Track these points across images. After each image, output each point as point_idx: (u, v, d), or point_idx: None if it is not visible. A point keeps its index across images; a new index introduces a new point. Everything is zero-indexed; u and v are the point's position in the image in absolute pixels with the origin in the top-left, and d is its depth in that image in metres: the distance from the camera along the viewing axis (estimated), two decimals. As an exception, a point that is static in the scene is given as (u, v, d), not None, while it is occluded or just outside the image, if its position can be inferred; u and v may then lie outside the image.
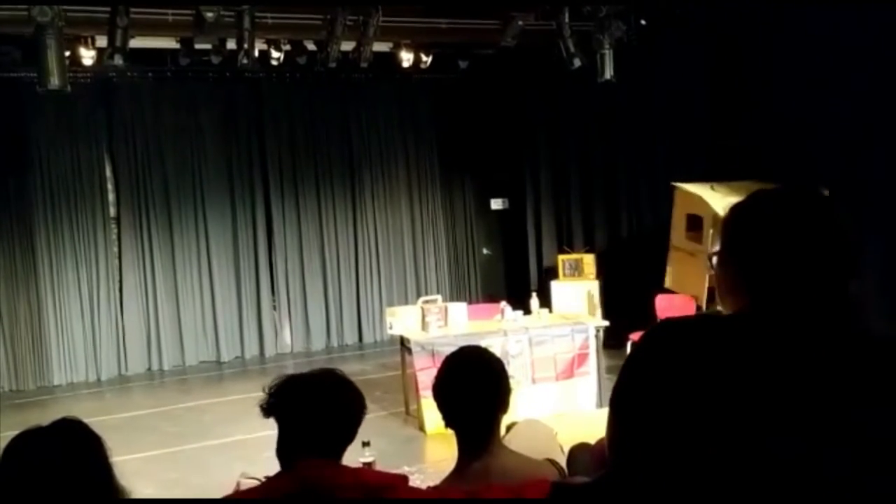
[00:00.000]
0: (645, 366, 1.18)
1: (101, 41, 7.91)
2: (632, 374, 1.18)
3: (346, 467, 2.00)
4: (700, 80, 8.85)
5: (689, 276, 8.14)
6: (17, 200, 9.87)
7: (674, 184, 8.32)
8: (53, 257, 10.06)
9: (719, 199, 7.59)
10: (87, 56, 8.23)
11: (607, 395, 6.04)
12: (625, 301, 9.23)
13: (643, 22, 8.59)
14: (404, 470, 2.76)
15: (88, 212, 10.18)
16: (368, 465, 2.95)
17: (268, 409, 2.01)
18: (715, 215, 7.42)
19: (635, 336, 8.05)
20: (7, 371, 9.87)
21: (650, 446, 1.13)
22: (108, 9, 6.57)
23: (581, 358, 7.43)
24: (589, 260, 10.05)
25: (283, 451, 2.02)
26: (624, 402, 1.21)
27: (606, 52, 8.11)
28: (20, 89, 9.28)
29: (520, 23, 7.94)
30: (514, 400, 2.27)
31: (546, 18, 8.06)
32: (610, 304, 9.48)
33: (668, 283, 8.54)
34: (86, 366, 10.20)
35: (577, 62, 8.28)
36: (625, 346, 7.73)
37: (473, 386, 2.16)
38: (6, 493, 1.84)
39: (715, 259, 1.33)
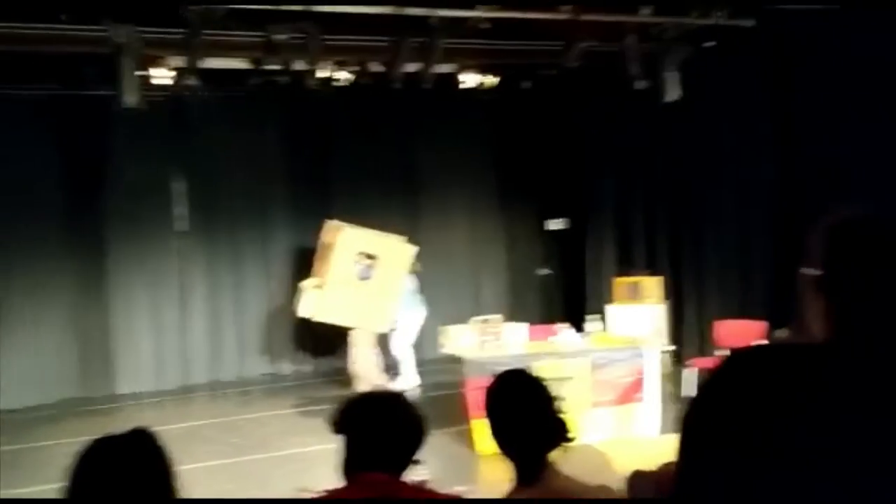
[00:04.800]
0: (724, 396, 1.13)
1: (176, 62, 8.22)
2: (707, 404, 1.13)
3: (406, 483, 2.03)
4: (765, 99, 8.70)
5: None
6: (90, 214, 10.24)
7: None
8: (122, 270, 10.40)
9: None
10: (162, 76, 8.56)
11: (669, 420, 5.95)
12: (686, 325, 9.08)
13: (708, 44, 8.51)
14: (456, 490, 2.76)
15: (157, 226, 10.50)
16: (421, 483, 2.98)
17: (337, 426, 2.06)
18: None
19: (697, 361, 7.92)
20: (75, 379, 10.21)
21: (720, 482, 1.11)
22: (183, 31, 6.80)
23: (640, 382, 7.32)
24: (650, 283, 9.91)
25: (347, 466, 2.06)
26: (695, 432, 1.15)
27: (670, 73, 8.06)
28: (98, 107, 9.65)
29: (584, 44, 7.95)
30: (571, 423, 2.25)
31: (611, 40, 8.05)
32: (671, 327, 9.33)
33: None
34: (150, 376, 10.47)
35: (640, 84, 8.24)
36: (688, 371, 7.60)
37: (520, 414, 2.16)
38: (79, 499, 1.90)
39: (808, 279, 1.23)
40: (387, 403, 2.11)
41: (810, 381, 1.04)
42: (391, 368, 9.63)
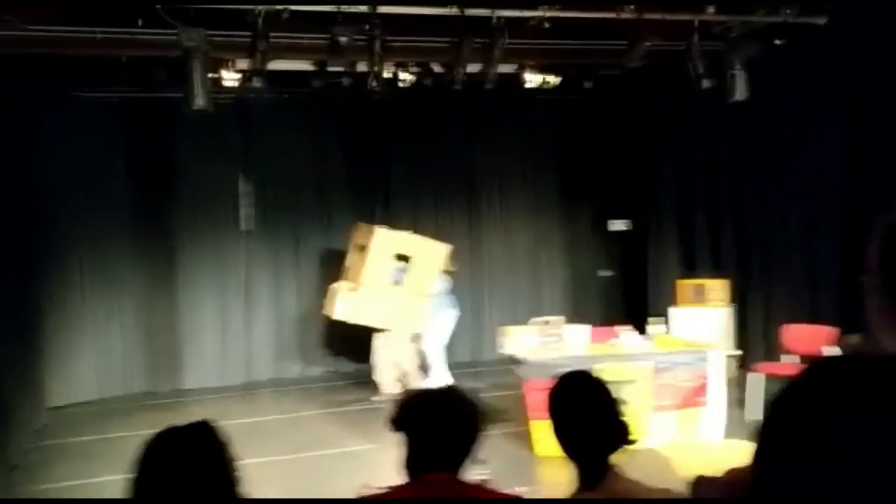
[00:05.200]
0: (804, 406, 1.08)
1: (242, 64, 8.39)
2: (787, 413, 1.08)
3: (468, 483, 2.05)
4: (835, 99, 8.45)
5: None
6: (159, 213, 10.53)
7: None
8: (189, 268, 10.66)
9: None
10: (229, 78, 8.77)
11: (733, 425, 5.83)
12: (751, 329, 8.89)
13: (777, 42, 8.31)
14: (516, 491, 2.76)
15: (223, 225, 10.74)
16: (481, 482, 2.99)
17: (396, 423, 2.09)
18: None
19: (763, 366, 7.74)
20: (143, 374, 10.51)
21: (796, 490, 1.07)
22: (250, 33, 6.94)
23: (704, 387, 7.20)
24: (714, 285, 9.73)
25: (409, 463, 2.08)
26: (774, 440, 1.11)
27: (737, 72, 7.90)
28: (167, 109, 9.92)
29: (647, 43, 7.85)
30: (633, 426, 2.24)
31: (675, 39, 7.93)
32: (736, 331, 9.15)
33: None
34: (215, 372, 10.71)
35: (705, 83, 8.10)
36: (754, 376, 7.44)
37: (584, 415, 2.15)
38: (144, 487, 1.96)
39: (869, 284, 1.16)
40: (444, 399, 2.11)
41: (888, 395, 1.00)
42: (423, 369, 9.64)
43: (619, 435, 2.17)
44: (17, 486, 6.65)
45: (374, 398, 9.31)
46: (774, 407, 1.08)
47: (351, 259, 9.83)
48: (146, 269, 10.51)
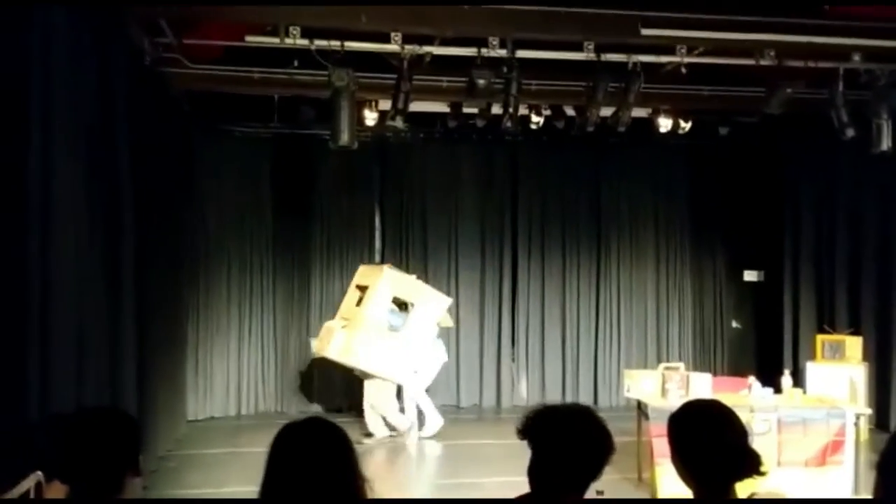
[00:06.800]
0: None
1: (383, 104, 8.82)
2: None
3: None
4: None
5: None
6: (299, 243, 11.11)
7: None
8: (324, 296, 11.14)
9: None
10: (370, 117, 9.24)
11: (865, 489, 5.57)
12: (892, 389, 8.43)
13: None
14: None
15: (357, 256, 11.16)
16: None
17: (523, 431, 2.20)
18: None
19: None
20: (274, 394, 11.00)
21: None
22: (394, 75, 7.33)
23: (836, 445, 6.89)
24: (853, 342, 9.31)
25: (534, 474, 2.19)
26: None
27: (884, 121, 7.62)
28: (310, 145, 10.54)
29: (788, 90, 7.71)
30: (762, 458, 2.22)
31: (818, 86, 7.76)
32: (874, 391, 8.70)
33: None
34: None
35: (849, 132, 7.85)
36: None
37: (712, 440, 2.17)
38: (277, 473, 2.14)
39: None
40: (573, 415, 2.20)
41: None
42: (418, 414, 9.38)
43: (748, 463, 2.16)
44: (150, 491, 7.09)
45: (366, 440, 8.97)
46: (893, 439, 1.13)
47: (350, 299, 9.60)
48: (283, 294, 11.07)
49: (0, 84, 3.95)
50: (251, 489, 2.24)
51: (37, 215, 4.28)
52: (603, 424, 2.19)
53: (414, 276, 9.99)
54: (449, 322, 10.06)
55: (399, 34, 6.62)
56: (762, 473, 2.15)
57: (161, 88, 7.87)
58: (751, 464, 2.16)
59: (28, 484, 3.48)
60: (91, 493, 2.15)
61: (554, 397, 11.49)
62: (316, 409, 10.92)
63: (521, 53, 7.12)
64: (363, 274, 9.78)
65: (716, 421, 2.23)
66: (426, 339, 9.37)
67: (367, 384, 9.24)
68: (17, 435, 3.79)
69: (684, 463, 2.20)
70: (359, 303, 9.41)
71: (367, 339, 8.95)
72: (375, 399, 9.14)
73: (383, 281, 9.20)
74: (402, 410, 9.33)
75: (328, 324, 9.57)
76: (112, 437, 2.21)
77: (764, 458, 6.05)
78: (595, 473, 2.16)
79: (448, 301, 9.77)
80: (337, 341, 9.01)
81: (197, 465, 8.26)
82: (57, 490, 2.45)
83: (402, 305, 9.46)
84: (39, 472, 3.48)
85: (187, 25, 7.15)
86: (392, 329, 9.17)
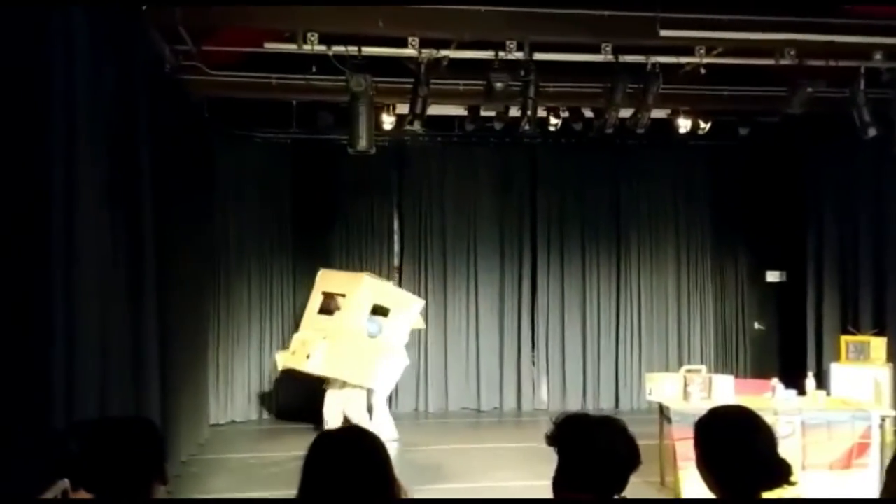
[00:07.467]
0: None
1: (400, 108, 8.84)
2: None
3: None
4: None
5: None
6: (318, 248, 11.14)
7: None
8: (343, 300, 11.16)
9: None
10: (388, 121, 9.26)
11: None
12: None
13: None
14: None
15: (376, 260, 11.20)
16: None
17: (551, 438, 2.19)
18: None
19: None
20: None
21: None
22: (411, 80, 7.34)
23: (861, 448, 6.82)
24: (878, 343, 9.21)
25: (558, 482, 2.18)
26: None
27: (905, 121, 7.54)
28: (328, 150, 10.58)
29: (809, 89, 7.64)
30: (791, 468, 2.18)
31: (839, 86, 7.69)
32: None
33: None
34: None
35: (871, 131, 7.77)
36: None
37: (741, 446, 2.14)
38: (315, 480, 2.14)
39: None
40: (601, 425, 2.19)
41: None
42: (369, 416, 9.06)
43: (777, 473, 2.13)
44: (173, 496, 7.11)
45: None
46: None
47: (313, 306, 9.34)
48: (303, 299, 11.06)
49: (23, 93, 3.99)
50: (273, 493, 2.24)
51: (60, 225, 4.31)
52: (631, 437, 2.17)
53: (392, 283, 9.99)
54: (421, 324, 10.03)
55: (416, 38, 6.63)
56: (792, 483, 2.11)
57: (181, 96, 7.93)
58: (780, 473, 2.13)
59: (56, 491, 3.51)
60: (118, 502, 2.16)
61: (575, 400, 11.46)
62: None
63: (538, 56, 7.10)
64: (329, 280, 9.49)
65: (744, 428, 2.19)
66: (400, 343, 9.30)
67: (334, 393, 8.79)
68: (43, 443, 3.82)
69: (711, 470, 2.18)
70: (322, 311, 9.22)
71: (350, 349, 8.70)
72: (350, 409, 8.69)
73: (363, 289, 9.01)
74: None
75: (300, 336, 9.20)
76: (137, 447, 2.22)
77: (791, 462, 5.98)
78: (620, 486, 2.14)
79: (421, 303, 9.75)
80: (318, 354, 8.61)
81: (219, 469, 8.31)
82: (83, 499, 2.47)
83: (374, 310, 9.20)
84: (66, 480, 3.50)
85: (206, 33, 7.19)
86: (370, 336, 8.96)
